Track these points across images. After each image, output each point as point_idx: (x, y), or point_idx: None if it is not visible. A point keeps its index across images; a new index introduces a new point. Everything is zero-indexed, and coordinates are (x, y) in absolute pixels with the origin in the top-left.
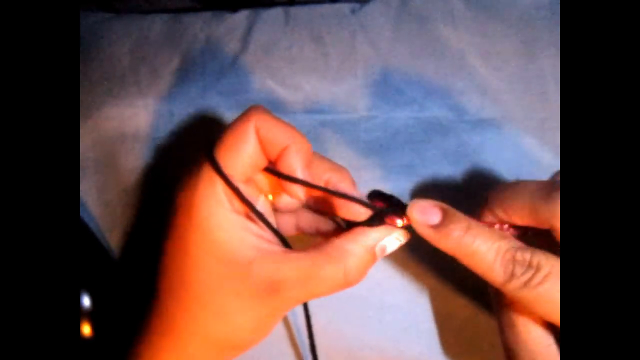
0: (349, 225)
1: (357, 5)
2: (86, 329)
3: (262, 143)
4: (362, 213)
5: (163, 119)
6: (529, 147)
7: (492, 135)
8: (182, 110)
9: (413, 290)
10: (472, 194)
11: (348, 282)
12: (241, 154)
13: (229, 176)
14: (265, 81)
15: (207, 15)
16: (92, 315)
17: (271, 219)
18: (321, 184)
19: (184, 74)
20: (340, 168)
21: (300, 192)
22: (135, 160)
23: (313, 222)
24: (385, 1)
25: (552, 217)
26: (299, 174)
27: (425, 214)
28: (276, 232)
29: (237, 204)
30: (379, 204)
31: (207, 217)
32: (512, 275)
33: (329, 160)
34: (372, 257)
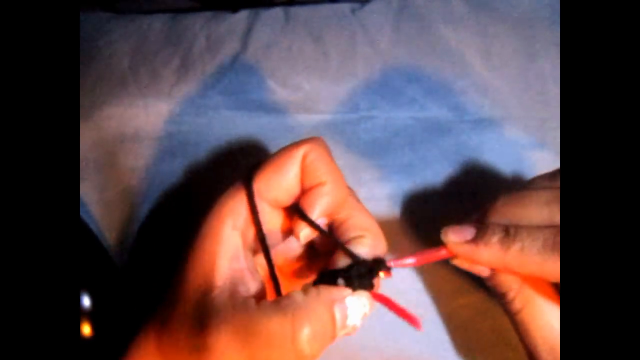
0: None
1: (357, 5)
2: (86, 329)
3: (303, 172)
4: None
5: (163, 119)
6: (529, 147)
7: (492, 135)
8: (182, 110)
9: (413, 290)
10: (472, 194)
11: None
12: (279, 186)
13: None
14: (265, 81)
15: (207, 15)
16: (92, 315)
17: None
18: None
19: (184, 74)
20: (379, 233)
21: (304, 235)
22: (135, 160)
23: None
24: (385, 1)
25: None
26: (315, 215)
27: (460, 233)
28: (275, 279)
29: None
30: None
31: (215, 235)
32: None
33: (372, 218)
34: (331, 322)
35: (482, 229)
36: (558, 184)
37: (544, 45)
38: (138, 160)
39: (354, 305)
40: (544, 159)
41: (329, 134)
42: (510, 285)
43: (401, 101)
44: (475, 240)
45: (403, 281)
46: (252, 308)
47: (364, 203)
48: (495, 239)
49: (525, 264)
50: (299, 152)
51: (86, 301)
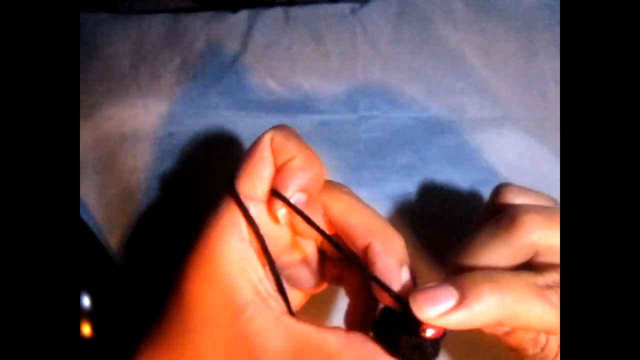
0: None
1: (357, 5)
2: (86, 329)
3: (274, 155)
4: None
5: (163, 119)
6: (529, 147)
7: (492, 135)
8: (182, 110)
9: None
10: (472, 193)
11: None
12: (261, 178)
13: (253, 219)
14: (265, 81)
15: (207, 15)
16: (92, 315)
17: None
18: (360, 247)
19: (184, 74)
20: (388, 234)
21: (281, 215)
22: (135, 160)
23: (337, 271)
24: (385, 1)
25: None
26: (290, 192)
27: (437, 302)
28: (282, 291)
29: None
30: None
31: (223, 251)
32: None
33: (375, 220)
34: None
35: (463, 288)
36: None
37: (544, 45)
38: (138, 160)
39: None
40: (544, 159)
41: (329, 134)
42: (533, 339)
43: (401, 101)
44: (461, 305)
45: None
46: (305, 328)
47: None
48: (487, 297)
49: (525, 315)
50: (266, 140)
51: (86, 301)
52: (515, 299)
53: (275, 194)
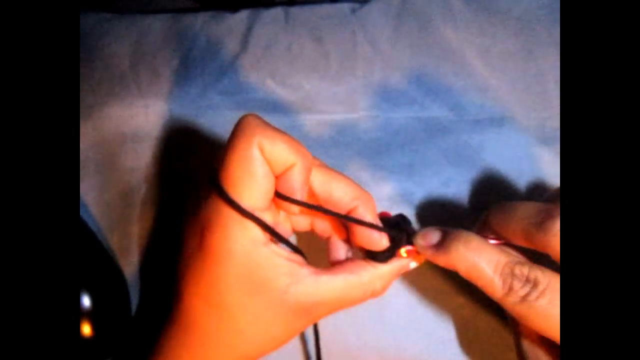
0: (370, 255)
1: (357, 5)
2: (86, 329)
3: (269, 164)
4: (377, 241)
5: (163, 119)
6: (529, 147)
7: (492, 135)
8: (182, 110)
9: (413, 290)
10: (472, 193)
11: (373, 297)
12: (257, 187)
13: (251, 210)
14: (265, 81)
15: (207, 15)
16: (92, 315)
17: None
18: (344, 211)
19: (184, 74)
20: (366, 196)
21: (297, 210)
22: (135, 160)
23: (327, 229)
24: (385, 1)
25: (547, 246)
26: (298, 194)
27: (426, 237)
28: (300, 252)
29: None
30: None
31: (243, 256)
32: (510, 289)
33: (354, 186)
34: (396, 277)
35: (447, 235)
36: (544, 201)
37: (544, 45)
38: (138, 160)
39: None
40: (544, 159)
41: (329, 134)
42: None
43: (401, 101)
44: (438, 246)
45: (403, 281)
46: (336, 281)
47: None
48: (454, 248)
49: (477, 279)
50: (255, 152)
51: (86, 301)
52: (474, 262)
53: (282, 196)
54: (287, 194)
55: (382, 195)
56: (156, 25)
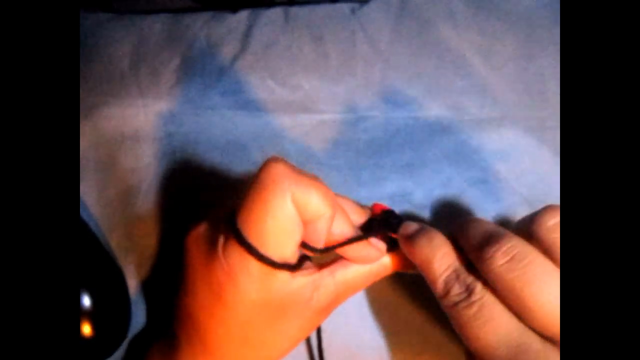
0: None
1: (357, 5)
2: (86, 329)
3: (300, 214)
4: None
5: (163, 119)
6: (529, 147)
7: (492, 135)
8: (182, 110)
9: (413, 290)
10: (472, 193)
11: (387, 274)
12: (290, 242)
13: (283, 261)
14: (265, 81)
15: (207, 15)
16: (92, 315)
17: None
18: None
19: (184, 74)
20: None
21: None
22: (135, 160)
23: None
24: (385, 1)
25: (483, 267)
26: (322, 243)
27: (406, 228)
28: (313, 252)
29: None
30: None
31: (270, 299)
32: (447, 292)
33: (351, 204)
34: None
35: (420, 230)
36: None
37: (544, 45)
38: (138, 160)
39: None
40: (544, 159)
41: (329, 134)
42: None
43: (401, 101)
44: (409, 238)
45: (403, 280)
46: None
47: (364, 203)
48: (419, 242)
49: (427, 274)
50: (289, 208)
51: (86, 301)
52: (428, 258)
53: (308, 247)
54: (311, 241)
55: (382, 194)
56: (156, 25)
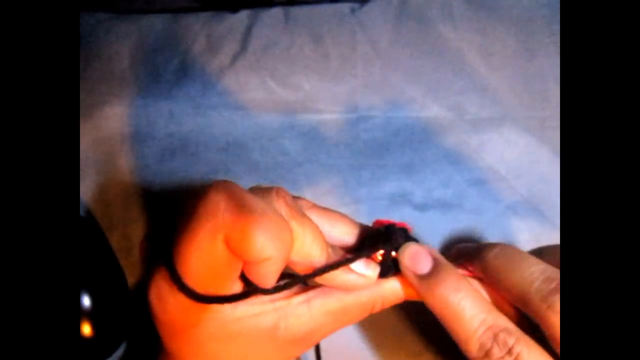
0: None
1: (357, 5)
2: (86, 329)
3: (236, 257)
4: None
5: (163, 119)
6: (529, 146)
7: (492, 135)
8: (182, 110)
9: None
10: (472, 194)
11: (374, 312)
12: (222, 282)
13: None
14: (265, 81)
15: (207, 15)
16: (92, 315)
17: None
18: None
19: (184, 74)
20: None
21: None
22: (135, 160)
23: None
24: (385, 1)
25: (545, 321)
26: (269, 284)
27: (416, 261)
28: (293, 279)
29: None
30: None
31: (225, 334)
32: (487, 355)
33: (346, 220)
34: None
35: (437, 268)
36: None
37: (544, 44)
38: (138, 160)
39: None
40: (544, 159)
41: (329, 134)
42: None
43: (401, 101)
44: (426, 278)
45: None
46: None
47: (364, 203)
48: (443, 290)
49: (455, 330)
50: (219, 249)
51: (86, 301)
52: (458, 312)
53: (254, 286)
54: (257, 282)
55: (382, 194)
56: (156, 25)
